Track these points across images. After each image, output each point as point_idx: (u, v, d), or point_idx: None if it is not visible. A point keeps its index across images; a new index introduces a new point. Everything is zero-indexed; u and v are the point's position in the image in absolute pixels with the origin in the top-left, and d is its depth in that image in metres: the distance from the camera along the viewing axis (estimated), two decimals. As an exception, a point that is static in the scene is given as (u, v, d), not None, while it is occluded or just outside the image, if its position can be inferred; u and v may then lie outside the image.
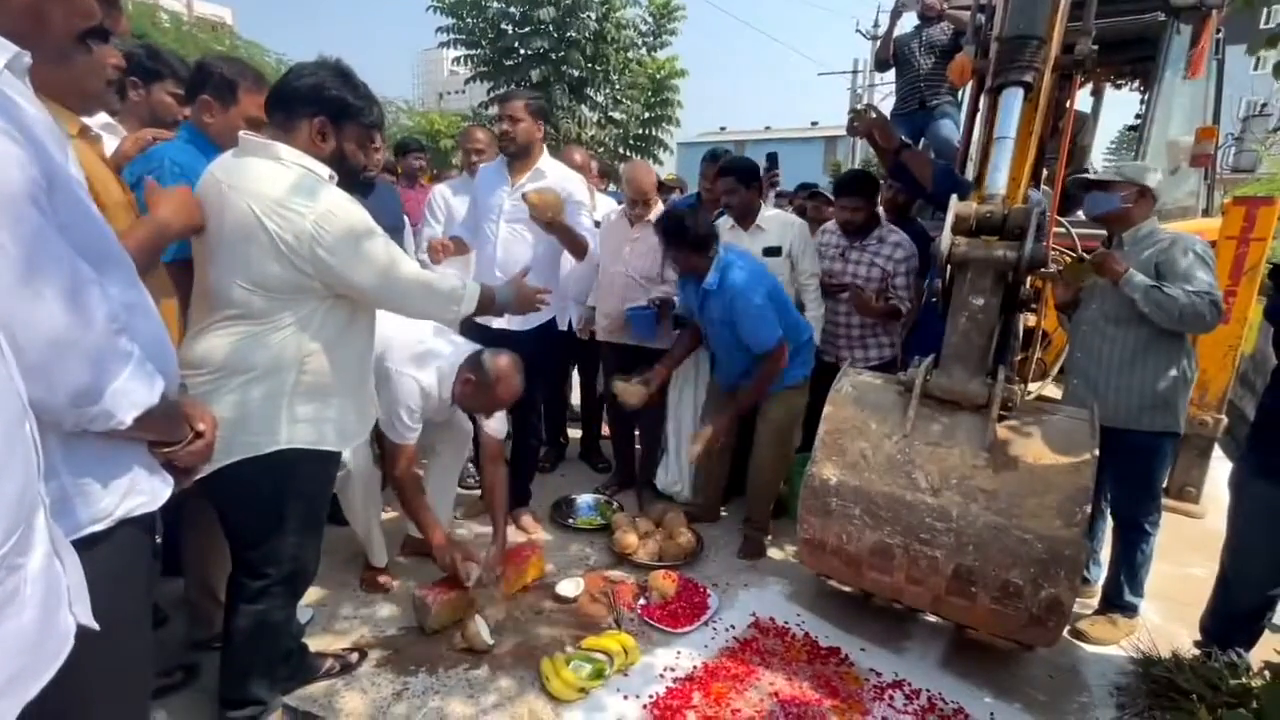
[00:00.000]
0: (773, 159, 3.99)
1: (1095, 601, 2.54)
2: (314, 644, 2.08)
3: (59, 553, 0.83)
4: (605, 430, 3.78)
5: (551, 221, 2.57)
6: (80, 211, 0.91)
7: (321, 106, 1.54)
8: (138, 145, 1.89)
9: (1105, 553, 2.60)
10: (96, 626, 0.86)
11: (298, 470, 1.61)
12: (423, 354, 2.31)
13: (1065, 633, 2.30)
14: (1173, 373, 2.29)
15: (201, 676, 1.99)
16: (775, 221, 3.10)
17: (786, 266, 3.04)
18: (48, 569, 0.78)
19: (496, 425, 2.54)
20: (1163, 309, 2.19)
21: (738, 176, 2.99)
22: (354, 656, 2.10)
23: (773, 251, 3.04)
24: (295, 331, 1.54)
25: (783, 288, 2.83)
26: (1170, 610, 2.55)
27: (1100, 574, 2.61)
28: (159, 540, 1.14)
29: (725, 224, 3.12)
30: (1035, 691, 2.16)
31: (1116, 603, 2.46)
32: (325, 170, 1.57)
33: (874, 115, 3.04)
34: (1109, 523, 2.57)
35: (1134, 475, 2.38)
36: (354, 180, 1.67)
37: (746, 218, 3.05)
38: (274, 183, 1.49)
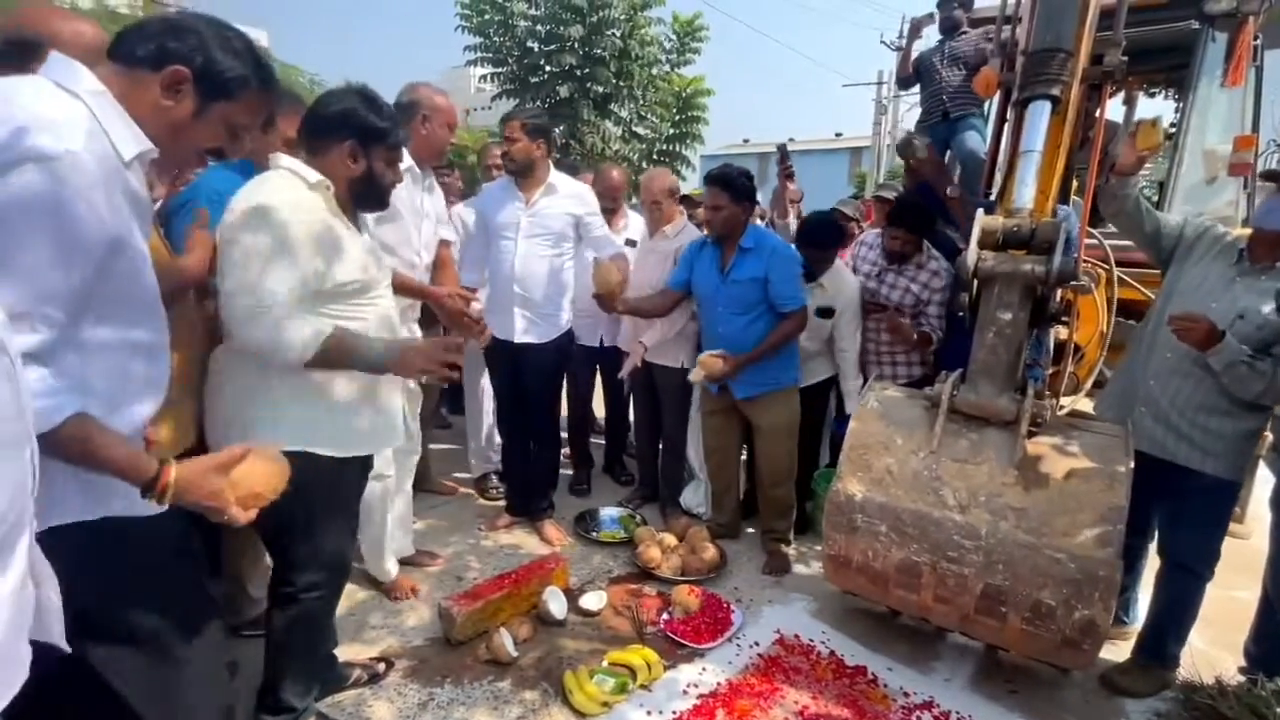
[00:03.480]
0: (783, 150, 3.89)
1: (1127, 645, 2.34)
2: (343, 653, 2.12)
3: (37, 579, 0.85)
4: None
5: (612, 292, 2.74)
6: (130, 270, 1.07)
7: (351, 131, 1.59)
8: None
9: (1144, 594, 2.42)
10: (68, 649, 0.90)
11: (298, 478, 1.54)
12: None
13: (1096, 680, 2.23)
14: (1254, 424, 2.07)
15: (240, 674, 2.03)
16: (836, 281, 2.99)
17: (829, 325, 3.00)
18: (20, 593, 0.78)
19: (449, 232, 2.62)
20: (1242, 384, 1.94)
21: (821, 247, 2.86)
22: (381, 666, 2.14)
23: (825, 313, 2.97)
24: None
25: None
26: (1214, 634, 2.46)
27: (1137, 615, 2.44)
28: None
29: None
30: (1069, 716, 2.11)
31: (1157, 653, 2.23)
32: (315, 176, 1.57)
33: (933, 159, 2.98)
34: (1150, 563, 2.38)
35: (1197, 518, 2.16)
36: (383, 198, 1.73)
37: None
38: (245, 191, 1.52)
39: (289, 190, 1.52)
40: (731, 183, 2.68)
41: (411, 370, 1.60)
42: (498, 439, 3.47)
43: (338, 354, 1.53)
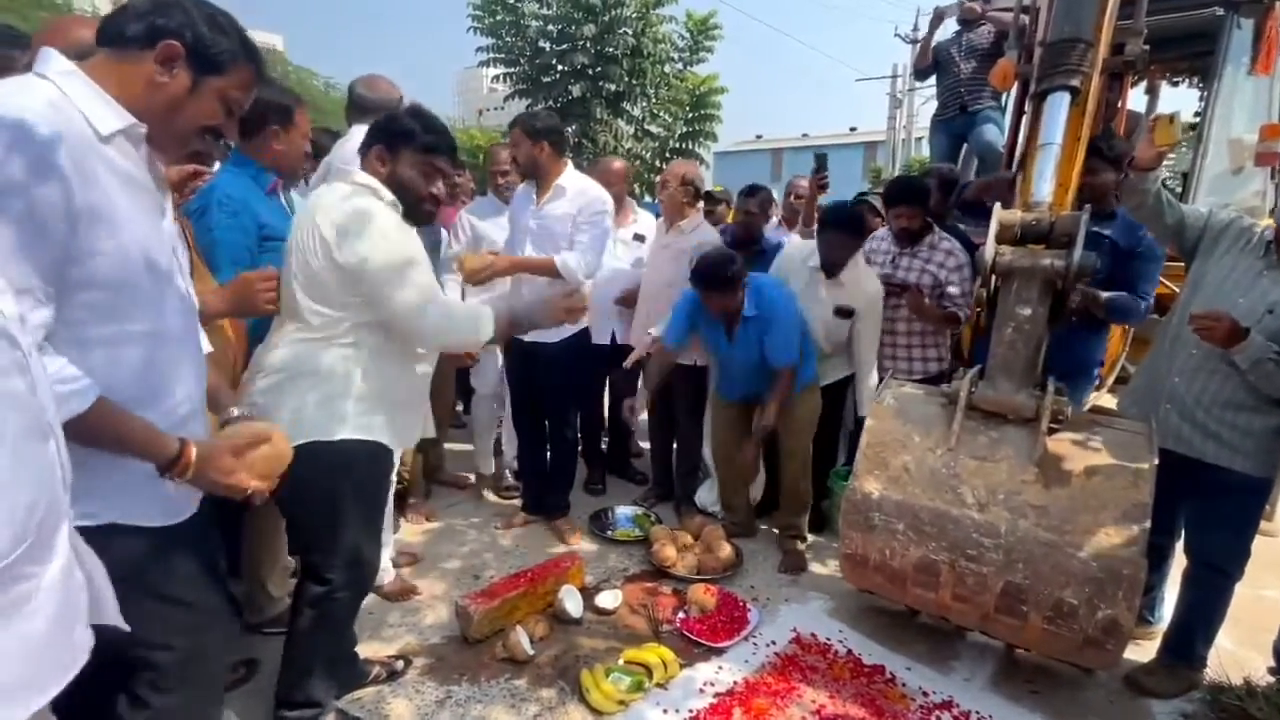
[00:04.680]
0: (821, 160, 3.89)
1: (1152, 645, 2.29)
2: (362, 651, 2.14)
3: (84, 565, 0.86)
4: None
5: (482, 281, 2.69)
6: (115, 252, 1.03)
7: (381, 135, 1.64)
8: (181, 176, 2.00)
9: (1170, 593, 2.38)
10: (127, 627, 0.92)
11: (351, 464, 1.67)
12: None
13: (1120, 680, 2.20)
14: None
15: (261, 672, 2.07)
16: (856, 280, 2.90)
17: (848, 325, 2.94)
18: (65, 582, 0.80)
19: None
20: (1270, 380, 1.90)
21: (849, 232, 2.82)
22: (400, 664, 2.16)
23: (844, 313, 2.91)
24: (352, 343, 1.63)
25: (812, 324, 2.89)
26: (1242, 635, 2.41)
27: (1162, 615, 2.39)
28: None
29: (806, 260, 2.98)
30: (1093, 717, 2.07)
31: (1184, 654, 2.18)
32: (389, 196, 1.64)
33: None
34: (1176, 562, 2.32)
35: (1227, 517, 2.09)
36: (416, 209, 1.69)
37: (835, 270, 2.87)
38: (342, 205, 1.59)
39: (381, 207, 1.63)
40: (734, 277, 2.60)
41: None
42: (503, 441, 3.49)
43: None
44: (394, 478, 2.38)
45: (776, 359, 2.69)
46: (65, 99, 0.99)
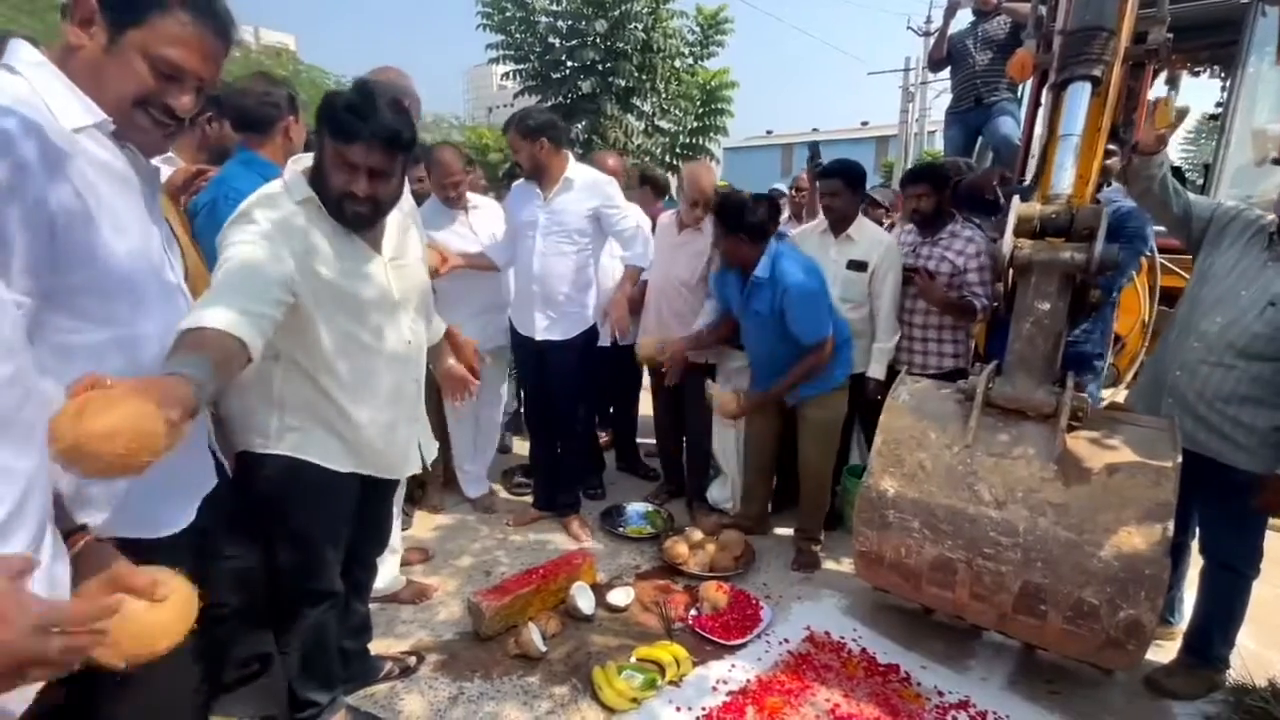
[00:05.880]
0: (814, 149, 3.87)
1: (1173, 645, 2.26)
2: (375, 647, 2.15)
3: (57, 554, 0.85)
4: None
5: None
6: (97, 252, 0.94)
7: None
8: (186, 175, 1.98)
9: (1189, 593, 2.33)
10: None
11: (277, 481, 1.54)
12: None
13: (1140, 681, 2.16)
14: None
15: (274, 667, 2.07)
16: (867, 235, 2.93)
17: (865, 281, 2.91)
18: (51, 566, 0.81)
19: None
20: None
21: (844, 179, 2.89)
22: (412, 660, 2.16)
23: (858, 266, 2.90)
24: (272, 355, 1.44)
25: (829, 285, 2.74)
26: (1265, 635, 2.37)
27: (1183, 615, 2.35)
28: None
29: (816, 228, 3.07)
30: (1112, 718, 2.04)
31: (1204, 654, 2.16)
32: (301, 194, 1.42)
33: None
34: (1194, 561, 2.28)
35: (1236, 515, 2.05)
36: (337, 211, 1.40)
37: (840, 225, 2.93)
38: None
39: (265, 191, 1.46)
40: (746, 223, 2.56)
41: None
42: (491, 451, 3.44)
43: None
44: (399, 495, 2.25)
45: (804, 334, 2.59)
46: (33, 93, 0.90)
